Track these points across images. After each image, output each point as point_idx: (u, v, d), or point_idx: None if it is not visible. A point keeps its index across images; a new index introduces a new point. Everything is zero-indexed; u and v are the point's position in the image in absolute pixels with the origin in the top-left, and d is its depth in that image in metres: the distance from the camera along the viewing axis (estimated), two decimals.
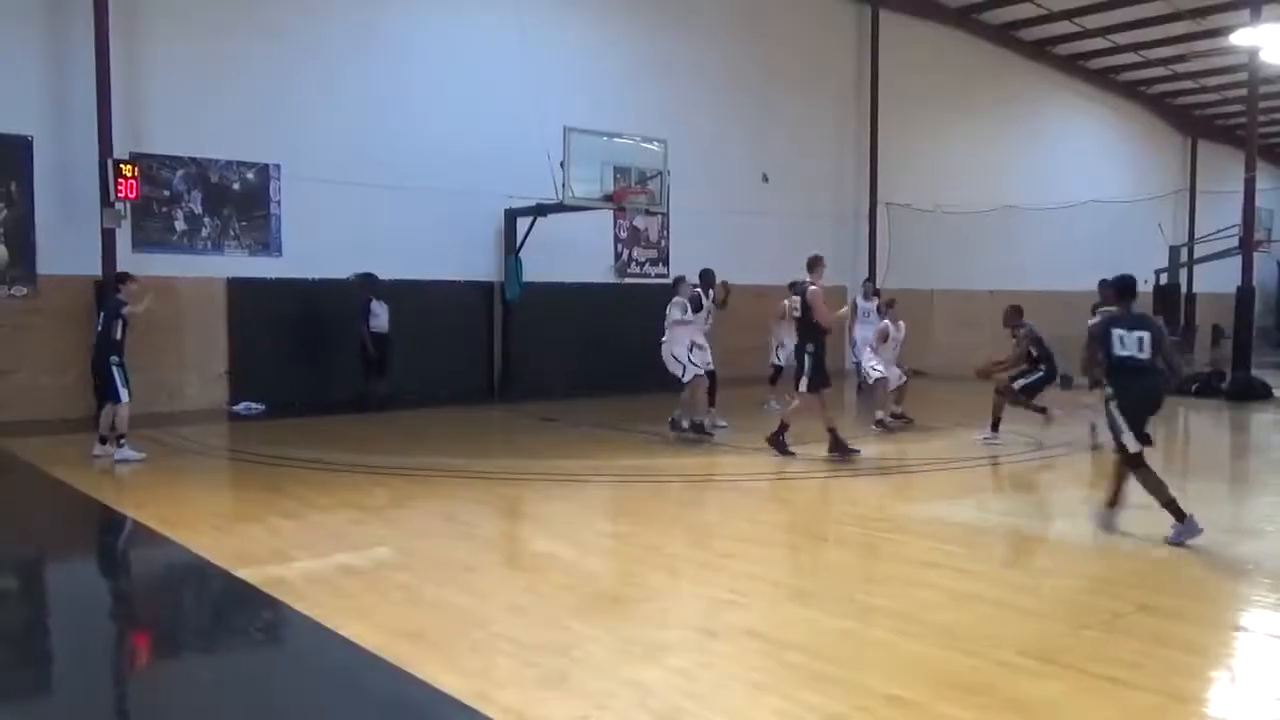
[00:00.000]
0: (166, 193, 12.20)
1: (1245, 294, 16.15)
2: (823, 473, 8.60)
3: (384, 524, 6.97)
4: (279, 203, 12.92)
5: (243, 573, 5.34)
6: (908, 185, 19.17)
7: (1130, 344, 6.16)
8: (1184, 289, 23.88)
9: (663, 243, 16.46)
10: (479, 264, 14.47)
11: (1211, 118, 26.98)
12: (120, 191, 11.21)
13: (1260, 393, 14.68)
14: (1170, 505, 6.05)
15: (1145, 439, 6.12)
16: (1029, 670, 3.97)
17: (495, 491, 8.22)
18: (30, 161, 11.28)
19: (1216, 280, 22.93)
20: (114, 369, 8.85)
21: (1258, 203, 16.22)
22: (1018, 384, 9.92)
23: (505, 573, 5.80)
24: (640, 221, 15.93)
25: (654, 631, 4.49)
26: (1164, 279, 22.42)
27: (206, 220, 12.46)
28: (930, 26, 20.11)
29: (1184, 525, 5.96)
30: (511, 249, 14.27)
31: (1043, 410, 9.96)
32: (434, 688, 3.76)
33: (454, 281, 14.17)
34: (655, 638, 4.39)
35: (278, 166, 12.87)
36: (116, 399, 8.84)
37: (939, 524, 6.77)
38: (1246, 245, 15.87)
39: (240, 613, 5.07)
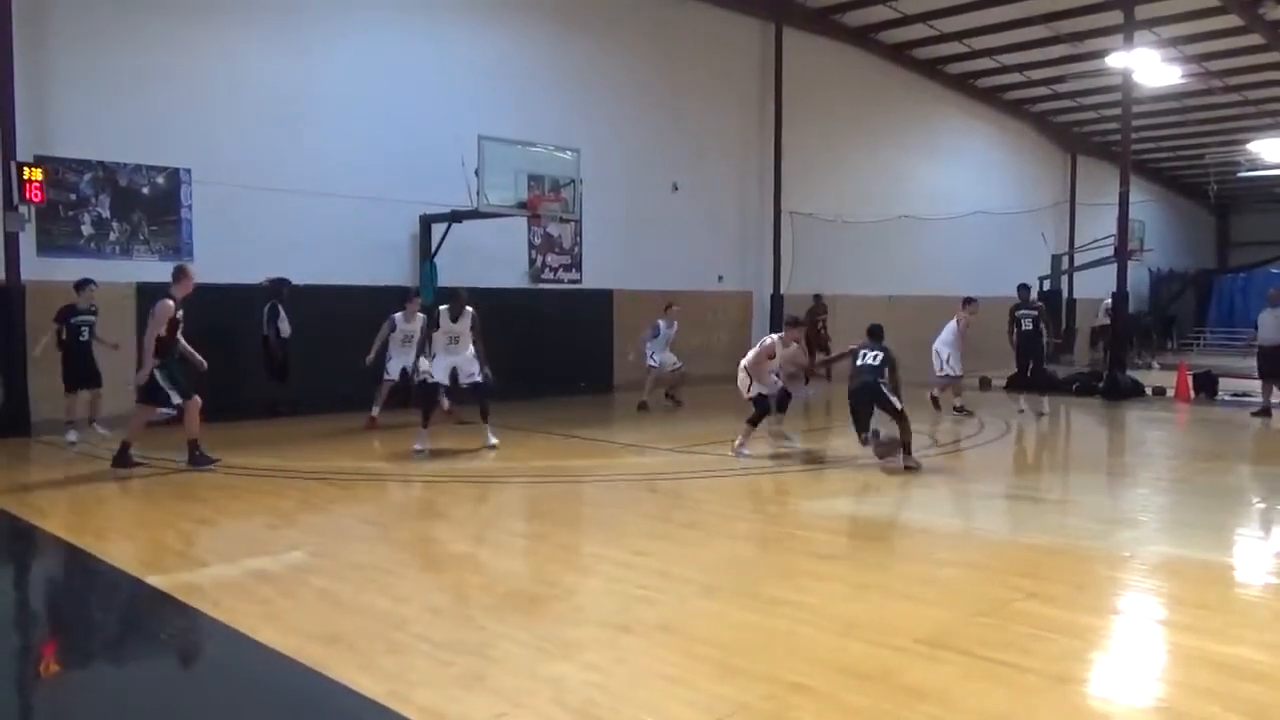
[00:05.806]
0: (73, 196, 11.73)
1: (1120, 299, 17.21)
2: (732, 471, 8.81)
3: (299, 528, 6.88)
4: (190, 207, 12.57)
5: (153, 579, 5.23)
6: (810, 195, 19.71)
7: None
8: (1065, 294, 25.28)
9: (576, 249, 16.54)
10: (394, 269, 14.30)
11: (1089, 134, 28.36)
12: (26, 194, 10.72)
13: (1133, 391, 15.67)
14: None
15: None
16: (924, 656, 4.11)
17: (411, 494, 8.20)
18: None
19: (1095, 286, 24.35)
20: None
21: (1131, 214, 17.27)
22: None
23: (422, 574, 5.80)
24: (554, 228, 15.96)
25: (569, 629, 4.56)
26: (1047, 285, 23.75)
27: (115, 224, 12.01)
28: (831, 44, 20.69)
29: None
30: (426, 254, 14.17)
31: None
32: (350, 689, 3.75)
33: (369, 287, 13.99)
34: (570, 635, 4.45)
35: (188, 171, 12.52)
36: None
37: (841, 519, 7.05)
38: (1121, 254, 16.90)
39: (151, 620, 4.95)
